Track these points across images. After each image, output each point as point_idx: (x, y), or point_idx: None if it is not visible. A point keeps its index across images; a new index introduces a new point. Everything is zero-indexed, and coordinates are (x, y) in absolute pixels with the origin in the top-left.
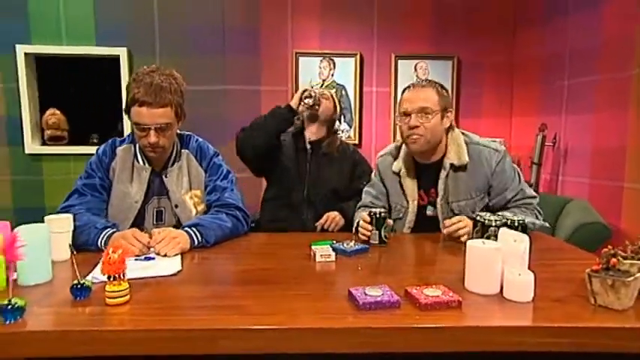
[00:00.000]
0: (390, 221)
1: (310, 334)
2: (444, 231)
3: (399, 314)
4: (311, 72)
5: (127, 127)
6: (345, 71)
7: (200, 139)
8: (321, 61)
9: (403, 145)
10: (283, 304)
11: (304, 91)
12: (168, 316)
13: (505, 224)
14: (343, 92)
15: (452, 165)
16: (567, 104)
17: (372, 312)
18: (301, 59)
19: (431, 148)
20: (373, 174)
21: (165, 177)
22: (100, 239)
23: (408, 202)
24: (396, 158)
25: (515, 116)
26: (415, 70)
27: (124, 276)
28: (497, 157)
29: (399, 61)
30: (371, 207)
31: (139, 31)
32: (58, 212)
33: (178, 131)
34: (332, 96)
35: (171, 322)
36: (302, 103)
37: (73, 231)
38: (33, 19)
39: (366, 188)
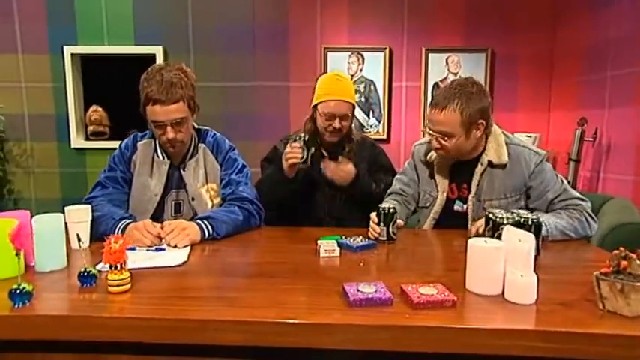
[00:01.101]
0: (400, 222)
1: (297, 329)
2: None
3: (390, 312)
4: (339, 67)
5: None
6: (374, 66)
7: (217, 134)
8: (349, 56)
9: None
10: (278, 297)
11: (286, 154)
12: (164, 305)
13: (518, 222)
14: (372, 87)
15: (490, 162)
16: (610, 97)
17: (363, 308)
18: (330, 55)
19: (462, 155)
20: (407, 162)
21: (183, 170)
22: (117, 229)
23: (437, 192)
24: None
25: (554, 110)
26: (447, 63)
27: (124, 265)
28: (537, 158)
29: (430, 54)
30: (401, 194)
31: (174, 30)
32: (83, 203)
33: (196, 126)
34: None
35: (166, 312)
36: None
37: (94, 221)
38: (79, 21)
39: (397, 176)
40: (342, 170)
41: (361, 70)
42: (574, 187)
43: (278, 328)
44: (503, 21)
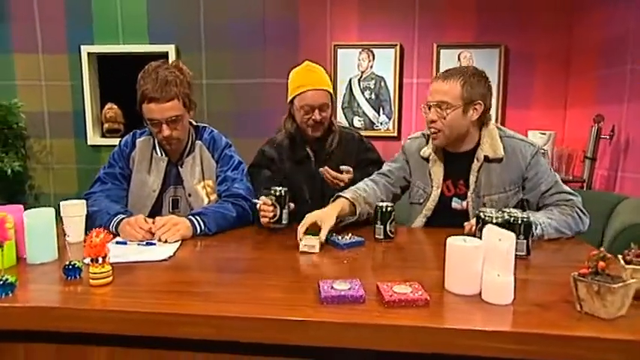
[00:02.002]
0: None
1: (264, 324)
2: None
3: (360, 310)
4: (350, 64)
5: None
6: (385, 62)
7: (215, 131)
8: (359, 52)
9: None
10: (255, 293)
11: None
12: (142, 298)
13: (507, 221)
14: (382, 84)
15: (486, 157)
16: (630, 91)
17: (335, 306)
18: (340, 51)
19: (454, 141)
20: (398, 154)
21: (181, 167)
22: (111, 224)
23: (432, 187)
24: (427, 142)
25: (570, 107)
26: (459, 59)
27: (105, 259)
28: (533, 150)
29: (442, 50)
30: (386, 175)
31: (186, 28)
32: (82, 198)
33: (194, 123)
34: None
35: (142, 305)
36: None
37: (91, 215)
38: (96, 21)
39: (387, 162)
40: (341, 180)
41: (371, 67)
42: (589, 187)
43: (247, 324)
44: (518, 15)
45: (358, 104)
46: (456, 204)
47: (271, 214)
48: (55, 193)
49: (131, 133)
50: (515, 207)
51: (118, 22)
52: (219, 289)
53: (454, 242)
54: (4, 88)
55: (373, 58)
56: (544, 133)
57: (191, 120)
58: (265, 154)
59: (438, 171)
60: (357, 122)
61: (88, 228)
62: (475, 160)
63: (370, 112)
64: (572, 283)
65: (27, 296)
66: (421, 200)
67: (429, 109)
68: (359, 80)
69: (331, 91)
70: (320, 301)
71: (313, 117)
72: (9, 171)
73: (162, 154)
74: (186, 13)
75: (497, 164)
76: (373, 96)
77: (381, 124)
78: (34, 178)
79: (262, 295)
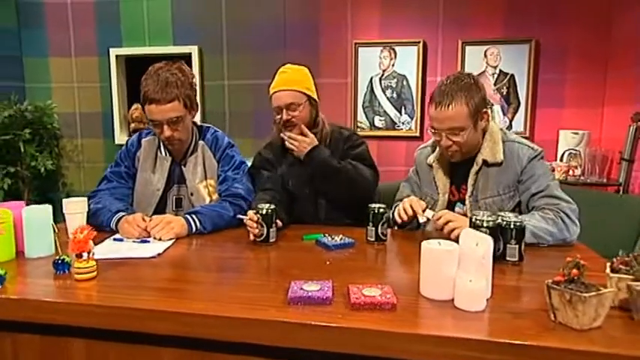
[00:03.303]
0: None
1: (225, 322)
2: (431, 226)
3: (326, 311)
4: (371, 62)
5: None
6: (407, 60)
7: (218, 132)
8: (381, 50)
9: None
10: (226, 291)
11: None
12: (118, 294)
13: (498, 225)
14: (404, 82)
15: (484, 161)
16: None
17: (300, 307)
18: (361, 50)
19: (471, 150)
20: (411, 169)
21: (184, 166)
22: (112, 221)
23: (438, 194)
24: (434, 151)
25: (607, 105)
26: (485, 56)
27: (90, 254)
28: (532, 153)
29: (467, 47)
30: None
31: (209, 30)
32: (88, 196)
33: (199, 123)
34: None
35: (115, 300)
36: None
37: (94, 212)
38: (124, 24)
39: (402, 182)
40: (303, 140)
41: (393, 65)
42: (626, 190)
43: (210, 321)
44: (550, 8)
45: (379, 103)
46: (458, 209)
47: (257, 232)
48: (86, 190)
49: (137, 133)
50: (512, 211)
51: (145, 25)
52: (196, 287)
53: (428, 245)
54: (41, 90)
55: (395, 56)
56: (576, 133)
57: (195, 120)
58: (262, 155)
59: (442, 177)
60: (379, 122)
61: (92, 225)
62: (474, 165)
63: (392, 112)
64: (546, 291)
65: (16, 289)
66: (429, 207)
67: (438, 133)
68: (380, 79)
69: (304, 89)
70: (287, 301)
71: (282, 117)
72: (42, 169)
73: (166, 154)
74: (209, 16)
75: (495, 168)
76: (395, 95)
77: (403, 123)
78: (66, 176)
79: (234, 293)
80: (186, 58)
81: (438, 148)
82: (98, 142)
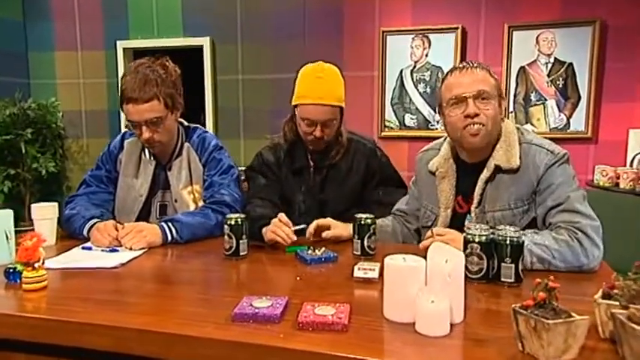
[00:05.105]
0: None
1: (164, 339)
2: (420, 245)
3: (269, 330)
4: (401, 53)
5: (209, 120)
6: (443, 50)
7: (207, 133)
8: (412, 39)
9: (447, 140)
10: (173, 306)
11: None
12: (63, 305)
13: (491, 240)
14: (439, 75)
15: (497, 167)
16: None
17: (243, 324)
18: (389, 38)
19: (490, 141)
20: (412, 179)
21: (169, 170)
22: (85, 228)
23: (439, 208)
24: (439, 152)
25: None
26: (537, 42)
27: (40, 263)
28: (550, 159)
29: (515, 32)
30: (399, 215)
31: (222, 19)
32: (66, 201)
33: (185, 123)
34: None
35: (58, 312)
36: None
37: (69, 219)
38: (131, 16)
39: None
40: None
41: (426, 56)
42: None
43: (145, 337)
44: None
45: (410, 100)
46: (468, 222)
47: (226, 245)
48: None
49: (120, 134)
50: (526, 228)
51: (153, 16)
52: (144, 300)
53: (391, 261)
54: (46, 87)
55: (429, 46)
56: None
57: (182, 120)
58: (263, 157)
59: (446, 188)
60: (409, 120)
61: (66, 232)
62: (485, 170)
63: (425, 109)
64: (512, 317)
65: None
66: (429, 223)
67: (463, 102)
68: (412, 71)
69: (341, 103)
70: (231, 318)
71: (314, 132)
72: (44, 171)
73: (150, 157)
74: (222, 4)
75: (509, 175)
76: (428, 90)
77: (438, 122)
78: (70, 179)
79: (181, 308)
80: (198, 50)
81: (442, 150)
82: (104, 143)
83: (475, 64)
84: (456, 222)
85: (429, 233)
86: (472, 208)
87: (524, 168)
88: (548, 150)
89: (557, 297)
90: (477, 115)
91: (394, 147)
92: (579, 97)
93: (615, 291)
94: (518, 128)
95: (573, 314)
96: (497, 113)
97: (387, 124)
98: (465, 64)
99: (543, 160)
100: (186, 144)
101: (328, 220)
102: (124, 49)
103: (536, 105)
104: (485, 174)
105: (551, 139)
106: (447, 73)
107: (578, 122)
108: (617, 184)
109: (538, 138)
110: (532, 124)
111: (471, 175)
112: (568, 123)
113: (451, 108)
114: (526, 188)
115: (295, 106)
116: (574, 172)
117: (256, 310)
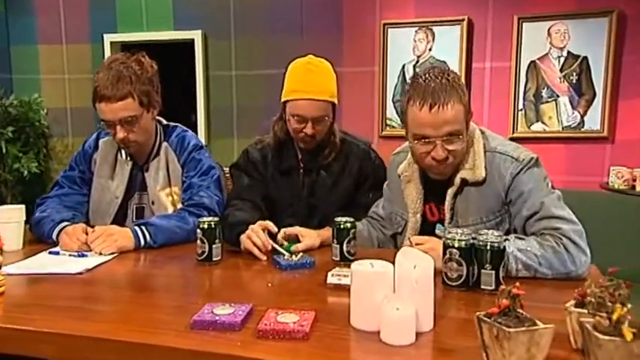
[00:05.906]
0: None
1: (121, 348)
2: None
3: (227, 338)
4: (403, 47)
5: (201, 119)
6: (447, 43)
7: (187, 133)
8: (416, 32)
9: None
10: (134, 313)
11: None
12: (19, 313)
13: (472, 246)
14: None
15: (463, 180)
16: None
17: (202, 332)
18: (391, 32)
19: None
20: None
21: (146, 171)
22: (54, 232)
23: (408, 214)
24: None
25: None
26: (549, 35)
27: None
28: (515, 167)
29: (525, 24)
30: (376, 220)
31: (215, 12)
32: (37, 204)
33: (164, 122)
34: None
35: (14, 320)
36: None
37: (38, 222)
38: (119, 8)
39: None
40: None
41: (430, 50)
42: None
43: (101, 346)
44: None
45: None
46: (439, 231)
47: (199, 250)
48: None
49: (95, 133)
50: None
51: (142, 8)
52: (105, 307)
53: (357, 267)
54: (29, 82)
55: (433, 39)
56: None
57: (160, 119)
58: (249, 155)
59: (412, 193)
60: None
61: (36, 235)
62: (452, 185)
63: None
64: (477, 325)
65: None
66: (400, 229)
67: (430, 143)
68: (415, 66)
69: (333, 99)
70: (190, 325)
71: (305, 130)
72: (26, 172)
73: (127, 157)
74: None
75: (476, 188)
76: None
77: None
78: (54, 180)
79: (141, 315)
80: (189, 44)
81: (409, 155)
82: None
83: (446, 98)
84: (427, 228)
85: (407, 242)
86: (445, 225)
87: (490, 179)
88: (512, 157)
89: (522, 304)
90: (444, 159)
91: (396, 147)
92: (594, 94)
93: (589, 298)
94: (483, 132)
95: (538, 322)
96: (465, 139)
97: (388, 122)
98: (435, 98)
99: (508, 170)
100: (165, 144)
101: (296, 229)
102: (112, 42)
103: (547, 102)
104: (452, 189)
105: (564, 138)
106: (414, 97)
107: (593, 120)
108: (634, 187)
109: (503, 144)
110: (543, 123)
111: (440, 183)
112: (582, 121)
113: (416, 142)
114: (495, 199)
115: (285, 102)
116: (545, 173)
117: (216, 318)
